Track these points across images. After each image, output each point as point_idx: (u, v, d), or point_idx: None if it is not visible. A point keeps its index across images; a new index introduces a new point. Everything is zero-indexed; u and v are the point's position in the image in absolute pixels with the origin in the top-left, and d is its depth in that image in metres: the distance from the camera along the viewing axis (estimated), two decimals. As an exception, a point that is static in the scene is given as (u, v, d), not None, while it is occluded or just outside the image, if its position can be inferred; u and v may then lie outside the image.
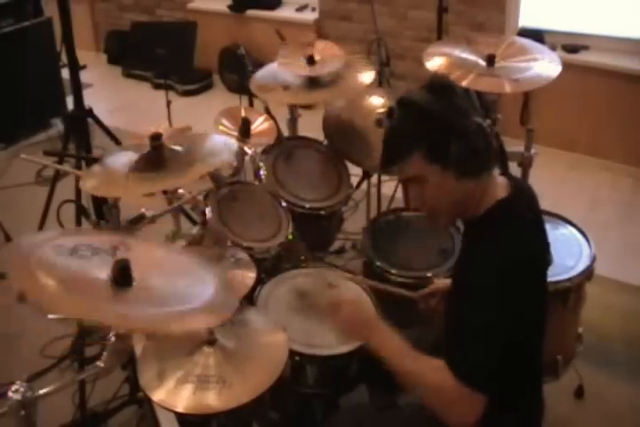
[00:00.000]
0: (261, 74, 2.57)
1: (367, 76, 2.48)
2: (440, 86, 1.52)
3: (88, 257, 1.29)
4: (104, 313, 1.18)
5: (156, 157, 1.83)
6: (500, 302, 1.43)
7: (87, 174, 1.91)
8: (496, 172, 1.58)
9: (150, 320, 1.21)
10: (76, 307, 1.17)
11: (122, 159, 1.87)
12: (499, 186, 1.56)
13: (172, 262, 1.43)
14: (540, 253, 1.59)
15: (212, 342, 1.60)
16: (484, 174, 1.51)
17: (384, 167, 1.58)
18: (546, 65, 2.33)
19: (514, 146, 2.58)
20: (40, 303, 1.15)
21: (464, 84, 2.23)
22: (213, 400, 1.49)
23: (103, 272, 1.25)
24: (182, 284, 1.35)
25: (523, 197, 1.60)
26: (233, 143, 1.96)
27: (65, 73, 3.50)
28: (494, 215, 1.52)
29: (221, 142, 1.95)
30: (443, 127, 1.45)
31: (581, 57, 3.85)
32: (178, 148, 1.85)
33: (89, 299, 1.19)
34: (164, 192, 2.10)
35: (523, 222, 1.54)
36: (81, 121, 2.63)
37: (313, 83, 2.46)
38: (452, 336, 1.50)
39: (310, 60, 2.45)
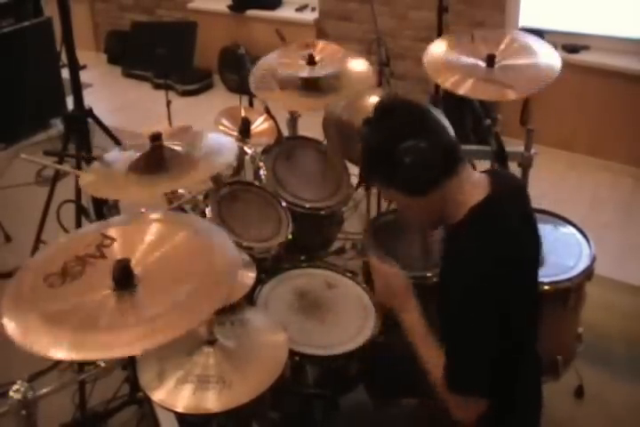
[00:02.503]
0: (260, 71, 2.53)
1: (367, 78, 2.48)
2: (380, 112, 1.58)
3: (80, 272, 1.28)
4: (117, 350, 1.18)
5: (155, 158, 1.82)
6: (475, 313, 1.44)
7: (86, 173, 1.90)
8: (466, 175, 1.56)
9: (159, 329, 1.20)
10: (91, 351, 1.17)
11: (121, 158, 1.87)
12: (475, 186, 1.54)
13: (156, 231, 1.41)
14: (527, 249, 1.58)
15: (211, 341, 1.60)
16: (437, 188, 1.52)
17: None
18: (546, 61, 2.31)
19: (514, 146, 2.58)
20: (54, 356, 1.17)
21: (462, 92, 2.22)
22: (213, 400, 1.49)
23: (103, 282, 1.25)
24: (178, 254, 1.35)
25: (506, 193, 1.57)
26: (233, 142, 1.96)
27: (65, 73, 3.49)
28: (475, 216, 1.52)
29: (221, 142, 1.95)
30: (379, 157, 1.55)
31: (581, 57, 3.85)
32: (178, 148, 1.85)
33: (94, 331, 1.18)
34: (165, 193, 2.10)
35: (505, 221, 1.52)
36: (81, 121, 2.63)
37: (312, 85, 2.44)
38: (444, 343, 1.52)
39: (310, 61, 2.44)
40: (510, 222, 1.54)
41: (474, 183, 1.55)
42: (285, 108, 2.68)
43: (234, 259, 1.36)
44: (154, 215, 1.50)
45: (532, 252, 1.63)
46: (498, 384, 1.50)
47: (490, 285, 1.43)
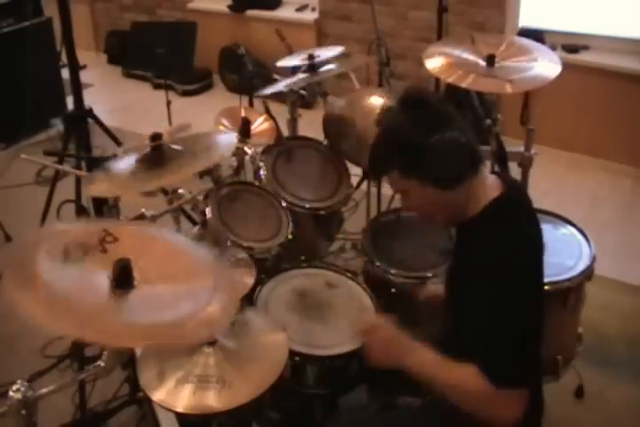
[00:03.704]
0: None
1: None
2: (412, 102, 1.55)
3: (81, 259, 1.27)
4: (106, 333, 1.17)
5: (156, 157, 1.83)
6: (507, 301, 1.44)
7: (90, 179, 1.90)
8: (485, 173, 1.59)
9: (150, 332, 1.20)
10: (78, 327, 1.16)
11: (125, 163, 1.87)
12: (489, 186, 1.57)
13: (161, 242, 1.42)
14: (536, 250, 1.60)
15: (211, 342, 1.60)
16: (465, 183, 1.53)
17: (372, 179, 1.64)
18: (546, 65, 2.33)
19: (514, 146, 2.58)
20: (39, 323, 1.13)
21: (464, 85, 2.24)
22: (213, 400, 1.49)
23: (101, 275, 1.24)
24: (178, 267, 1.35)
25: (515, 195, 1.61)
26: (232, 138, 1.97)
27: (65, 73, 3.50)
28: (490, 216, 1.53)
29: (221, 139, 1.96)
30: (411, 148, 1.50)
31: (581, 57, 3.85)
32: (177, 147, 1.85)
33: (90, 316, 1.17)
34: (165, 193, 2.10)
35: (518, 221, 1.55)
36: (81, 121, 2.63)
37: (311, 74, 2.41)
38: (475, 341, 1.48)
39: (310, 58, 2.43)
40: (523, 223, 1.57)
41: (487, 184, 1.58)
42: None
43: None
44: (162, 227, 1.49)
45: (539, 251, 1.63)
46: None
47: (510, 282, 1.45)
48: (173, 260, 1.35)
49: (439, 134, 1.48)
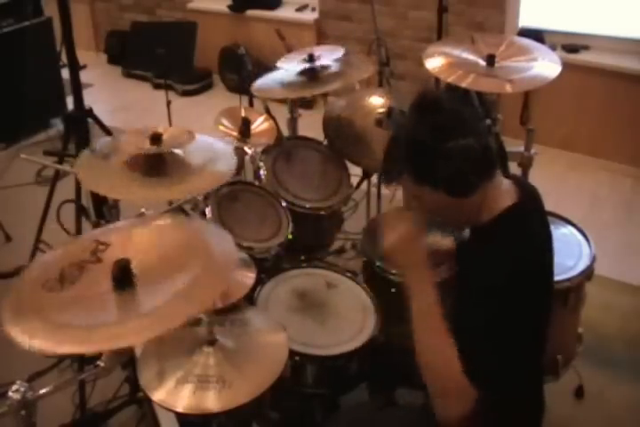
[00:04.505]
0: (263, 80, 2.53)
1: (366, 72, 2.48)
2: (426, 105, 1.52)
3: (78, 277, 1.28)
4: (115, 339, 1.17)
5: (156, 160, 1.82)
6: (505, 304, 1.43)
7: (81, 164, 1.86)
8: (499, 178, 1.56)
9: (158, 323, 1.20)
10: (86, 343, 1.17)
11: (114, 150, 1.85)
12: (505, 192, 1.55)
13: (151, 235, 1.42)
14: (548, 256, 1.60)
15: (211, 341, 1.60)
16: (479, 190, 1.50)
17: (384, 183, 1.62)
18: (546, 65, 2.33)
19: (514, 146, 2.58)
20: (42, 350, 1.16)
21: (464, 85, 2.23)
22: (213, 400, 1.49)
23: (102, 283, 1.25)
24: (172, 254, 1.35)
25: (530, 201, 1.60)
26: (231, 151, 1.96)
27: (65, 73, 3.50)
28: (505, 222, 1.52)
29: (220, 147, 1.94)
30: (426, 152, 1.47)
31: (581, 57, 3.85)
32: (178, 151, 1.85)
33: (97, 327, 1.18)
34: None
35: (534, 228, 1.55)
36: (81, 121, 2.63)
37: (312, 79, 2.44)
38: (468, 339, 1.46)
39: (310, 59, 2.45)
40: (538, 229, 1.57)
41: (502, 189, 1.55)
42: (285, 98, 2.67)
43: (230, 249, 1.37)
44: (147, 218, 1.50)
45: (550, 256, 1.64)
46: (505, 384, 1.49)
47: (516, 285, 1.44)
48: (165, 247, 1.35)
49: (454, 140, 1.43)
